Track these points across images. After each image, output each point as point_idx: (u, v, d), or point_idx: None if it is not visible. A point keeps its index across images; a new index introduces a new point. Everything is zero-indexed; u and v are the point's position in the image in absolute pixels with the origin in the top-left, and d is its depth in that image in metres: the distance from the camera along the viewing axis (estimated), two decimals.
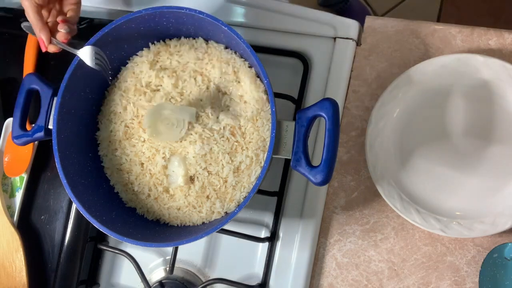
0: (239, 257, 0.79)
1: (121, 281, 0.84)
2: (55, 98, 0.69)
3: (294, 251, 0.75)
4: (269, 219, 0.78)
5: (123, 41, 0.71)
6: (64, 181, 0.66)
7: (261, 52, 0.78)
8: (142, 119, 0.71)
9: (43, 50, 0.71)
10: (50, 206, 0.82)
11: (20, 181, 0.84)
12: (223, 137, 0.68)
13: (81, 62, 0.68)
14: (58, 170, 0.67)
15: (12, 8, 0.89)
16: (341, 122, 0.77)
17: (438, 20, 1.56)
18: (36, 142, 0.82)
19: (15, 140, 0.71)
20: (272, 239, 0.76)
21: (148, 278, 0.79)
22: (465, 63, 0.70)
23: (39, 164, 0.83)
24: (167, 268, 0.79)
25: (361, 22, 0.78)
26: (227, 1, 0.81)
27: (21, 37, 0.85)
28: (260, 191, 0.75)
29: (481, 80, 0.70)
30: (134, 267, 0.77)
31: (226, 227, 0.67)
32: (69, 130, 0.70)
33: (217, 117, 0.69)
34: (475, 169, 0.71)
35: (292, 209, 0.76)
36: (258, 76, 0.69)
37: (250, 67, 0.70)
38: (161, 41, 0.73)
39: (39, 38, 0.70)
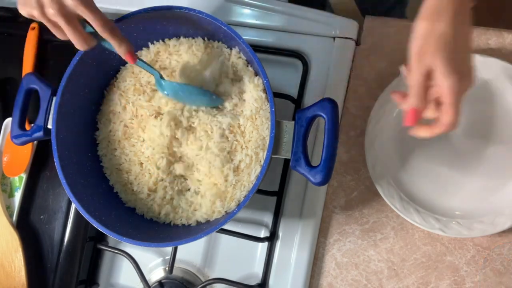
0: (239, 257, 0.79)
1: (120, 281, 0.84)
2: (54, 98, 0.69)
3: (293, 251, 0.75)
4: (268, 219, 0.78)
5: None
6: (63, 181, 0.66)
7: (261, 51, 0.78)
8: (141, 118, 0.71)
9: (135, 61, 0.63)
10: (49, 206, 0.81)
11: (19, 180, 0.84)
12: (222, 136, 0.68)
13: (80, 62, 0.68)
14: (57, 170, 0.67)
15: (11, 8, 0.89)
16: (341, 122, 0.77)
17: None
18: (35, 142, 0.82)
19: (14, 139, 0.71)
20: (271, 239, 0.76)
21: (147, 278, 0.79)
22: None
23: (38, 163, 0.83)
24: (167, 268, 0.79)
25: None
26: (227, 1, 0.81)
27: (20, 37, 0.85)
28: (260, 191, 0.75)
29: (480, 80, 0.70)
30: (134, 267, 0.77)
31: (226, 227, 0.67)
32: (68, 129, 0.70)
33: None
34: (475, 168, 0.71)
35: (291, 209, 0.76)
36: (257, 75, 0.69)
37: (249, 65, 0.70)
38: (160, 40, 0.73)
39: (129, 51, 0.61)
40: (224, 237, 0.79)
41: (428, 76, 0.53)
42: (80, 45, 0.59)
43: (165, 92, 0.67)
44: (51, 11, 0.56)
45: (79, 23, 0.58)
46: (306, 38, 0.78)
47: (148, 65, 0.66)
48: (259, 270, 0.77)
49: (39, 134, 0.70)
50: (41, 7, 0.56)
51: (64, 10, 0.56)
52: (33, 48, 0.84)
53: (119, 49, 0.61)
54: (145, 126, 0.71)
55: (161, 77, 0.67)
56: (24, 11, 0.57)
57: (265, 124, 0.67)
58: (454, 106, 0.52)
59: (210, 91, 0.68)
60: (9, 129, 0.83)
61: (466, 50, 0.53)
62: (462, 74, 0.52)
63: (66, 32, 0.58)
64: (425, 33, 0.52)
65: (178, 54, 0.71)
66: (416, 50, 0.53)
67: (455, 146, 0.72)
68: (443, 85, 0.52)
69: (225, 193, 0.68)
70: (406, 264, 0.73)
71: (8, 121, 0.84)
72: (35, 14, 0.57)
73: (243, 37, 0.64)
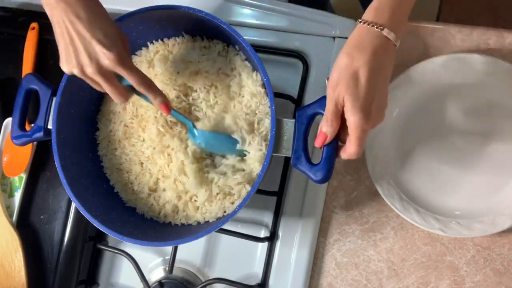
0: (239, 257, 0.78)
1: (120, 280, 0.84)
2: (54, 98, 0.69)
3: (293, 250, 0.75)
4: (268, 219, 0.78)
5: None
6: (64, 181, 0.66)
7: (261, 51, 0.78)
8: (141, 118, 0.71)
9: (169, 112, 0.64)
10: (49, 206, 0.81)
11: (19, 180, 0.84)
12: None
13: None
14: (58, 170, 0.67)
15: (11, 7, 0.89)
16: None
17: (438, 19, 1.55)
18: (35, 142, 0.82)
19: (14, 140, 0.71)
20: (271, 239, 0.76)
21: (147, 278, 0.79)
22: (464, 62, 0.70)
23: (38, 164, 0.83)
24: (167, 268, 0.79)
25: None
26: (227, 1, 0.81)
27: (20, 37, 0.85)
28: (260, 191, 0.75)
29: (480, 80, 0.70)
30: (134, 267, 0.77)
31: (226, 226, 0.67)
32: (69, 130, 0.70)
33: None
34: (475, 168, 0.71)
35: (291, 208, 0.76)
36: (254, 70, 0.69)
37: (246, 61, 0.69)
38: (160, 40, 0.73)
39: (164, 103, 0.63)
40: (224, 237, 0.79)
41: (341, 106, 0.55)
42: (117, 99, 0.62)
43: (198, 142, 0.68)
44: (90, 70, 0.59)
45: (115, 79, 0.61)
46: (306, 38, 0.78)
47: (182, 115, 0.67)
48: (259, 270, 0.77)
49: (39, 134, 0.70)
50: (80, 67, 0.59)
51: (102, 69, 0.59)
52: (33, 48, 0.84)
53: (155, 101, 0.63)
54: (145, 125, 0.71)
55: (194, 126, 0.68)
56: (65, 69, 0.60)
57: (265, 122, 0.67)
58: (357, 140, 0.55)
59: (237, 139, 0.67)
60: (9, 129, 0.83)
61: (380, 90, 0.55)
62: (368, 113, 0.54)
63: (104, 88, 0.61)
64: (342, 66, 0.54)
65: (178, 53, 0.71)
66: (332, 81, 0.55)
67: (455, 147, 0.72)
68: (349, 120, 0.54)
69: (225, 192, 0.68)
70: (406, 264, 0.73)
71: (8, 121, 0.84)
72: (75, 72, 0.60)
73: (243, 37, 0.64)
